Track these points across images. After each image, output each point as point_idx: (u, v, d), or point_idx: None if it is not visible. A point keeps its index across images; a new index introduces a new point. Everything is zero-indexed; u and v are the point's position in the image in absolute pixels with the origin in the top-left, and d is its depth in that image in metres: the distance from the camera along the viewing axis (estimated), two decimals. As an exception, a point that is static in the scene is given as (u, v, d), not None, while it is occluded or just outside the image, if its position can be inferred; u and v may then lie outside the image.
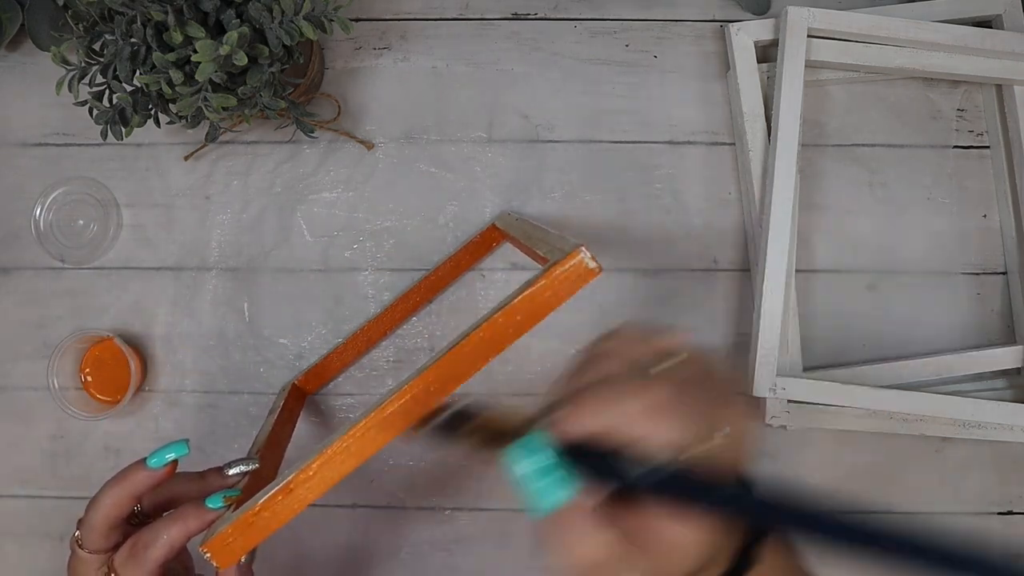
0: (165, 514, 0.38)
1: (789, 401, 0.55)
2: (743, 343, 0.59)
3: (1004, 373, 0.59)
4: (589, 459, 0.29)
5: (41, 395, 0.59)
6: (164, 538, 0.36)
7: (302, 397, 0.58)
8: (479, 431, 0.33)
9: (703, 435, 0.28)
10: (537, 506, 0.28)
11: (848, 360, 0.59)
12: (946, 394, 0.55)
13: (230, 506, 0.37)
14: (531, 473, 0.28)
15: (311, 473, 0.34)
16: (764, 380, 0.54)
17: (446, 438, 0.34)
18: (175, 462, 0.38)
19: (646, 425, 0.28)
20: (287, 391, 0.57)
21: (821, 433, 0.59)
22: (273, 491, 0.34)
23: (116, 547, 0.37)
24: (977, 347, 0.59)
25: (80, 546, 0.37)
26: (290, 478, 0.34)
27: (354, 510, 0.59)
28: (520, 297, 0.35)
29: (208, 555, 0.35)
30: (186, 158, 0.61)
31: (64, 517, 0.60)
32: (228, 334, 0.60)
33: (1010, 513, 0.58)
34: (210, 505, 0.37)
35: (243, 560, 0.36)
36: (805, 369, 0.58)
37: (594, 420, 0.29)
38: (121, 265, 0.61)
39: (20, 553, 0.59)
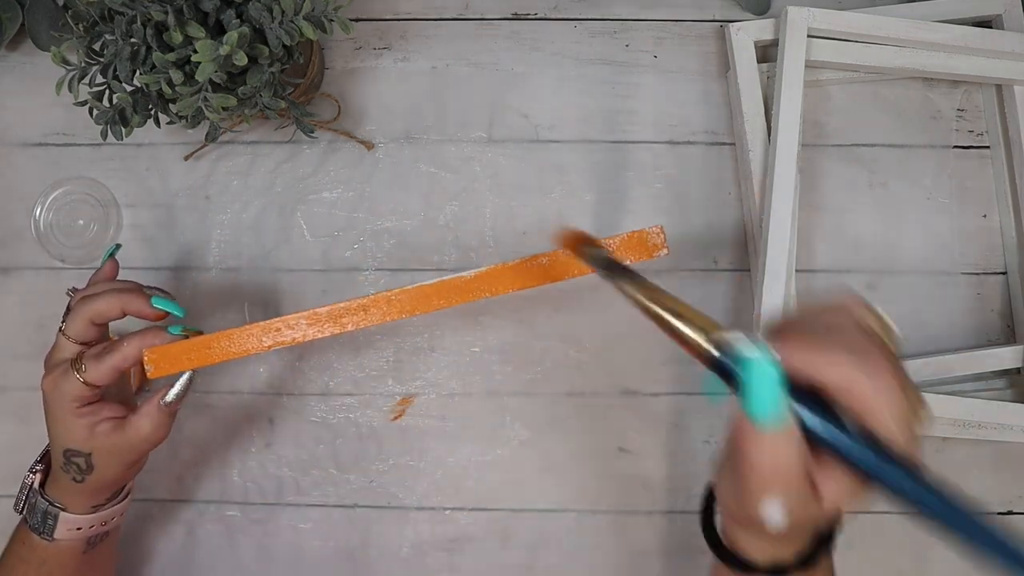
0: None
1: (789, 401, 0.55)
2: (743, 343, 0.59)
3: (1004, 373, 0.59)
4: (806, 395, 0.28)
5: (41, 395, 0.59)
6: (124, 347, 0.43)
7: None
8: (648, 292, 0.32)
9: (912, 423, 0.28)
10: (751, 409, 0.28)
11: (848, 360, 0.59)
12: (946, 394, 0.55)
13: (187, 336, 0.44)
14: (753, 377, 0.28)
15: (289, 324, 0.42)
16: (764, 380, 0.54)
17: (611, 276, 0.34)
18: (115, 260, 0.50)
19: (881, 394, 0.27)
20: None
21: (821, 433, 0.59)
22: (238, 328, 0.41)
23: (89, 344, 0.45)
24: (977, 347, 0.59)
25: (63, 333, 0.45)
26: (269, 322, 0.41)
27: (354, 510, 0.59)
28: (540, 255, 0.42)
29: (147, 360, 0.42)
30: (186, 158, 0.61)
31: (64, 517, 0.60)
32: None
33: (1010, 513, 0.58)
34: (170, 331, 0.44)
35: (167, 400, 0.44)
36: (805, 369, 0.58)
37: (830, 361, 0.27)
38: (121, 265, 0.60)
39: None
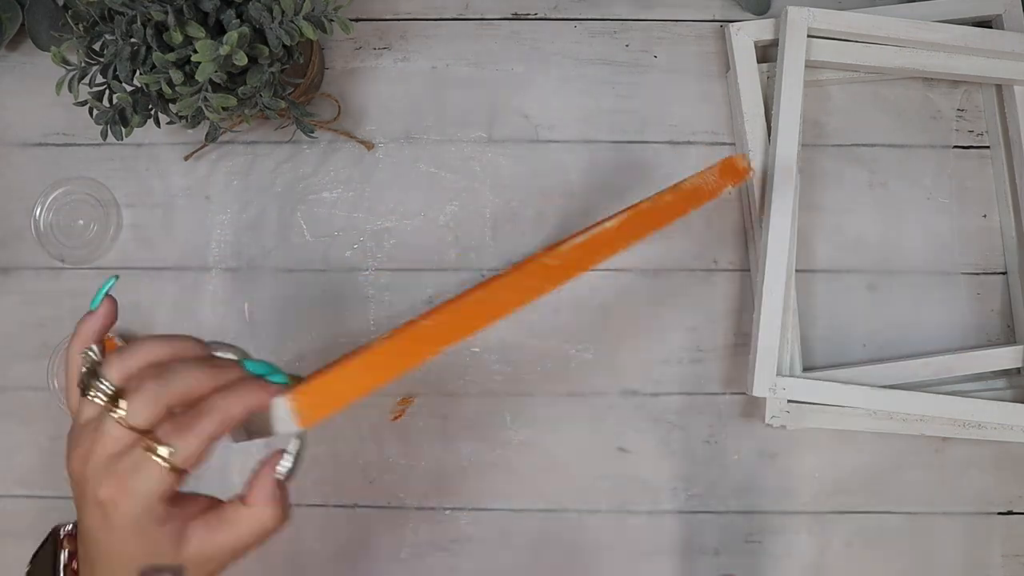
0: (217, 393, 0.33)
1: (789, 401, 0.55)
2: (743, 343, 0.59)
3: (1004, 373, 0.59)
4: None
5: (41, 395, 0.59)
6: (219, 405, 0.32)
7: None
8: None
9: None
10: None
11: (848, 360, 0.59)
12: (946, 394, 0.55)
13: (295, 381, 0.34)
14: None
15: (446, 316, 0.34)
16: (764, 380, 0.54)
17: None
18: (112, 298, 0.36)
19: None
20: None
21: (821, 433, 0.59)
22: (397, 336, 0.33)
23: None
24: (977, 347, 0.59)
25: (120, 422, 0.32)
26: (424, 323, 0.34)
27: (354, 510, 0.59)
28: (683, 182, 0.43)
29: (291, 405, 0.32)
30: (186, 158, 0.61)
31: (64, 517, 0.59)
32: (228, 334, 0.60)
33: (1010, 513, 0.58)
34: (274, 379, 0.34)
35: (284, 470, 0.34)
36: (805, 369, 0.58)
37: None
38: (121, 265, 0.61)
39: (20, 553, 0.59)
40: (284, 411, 0.33)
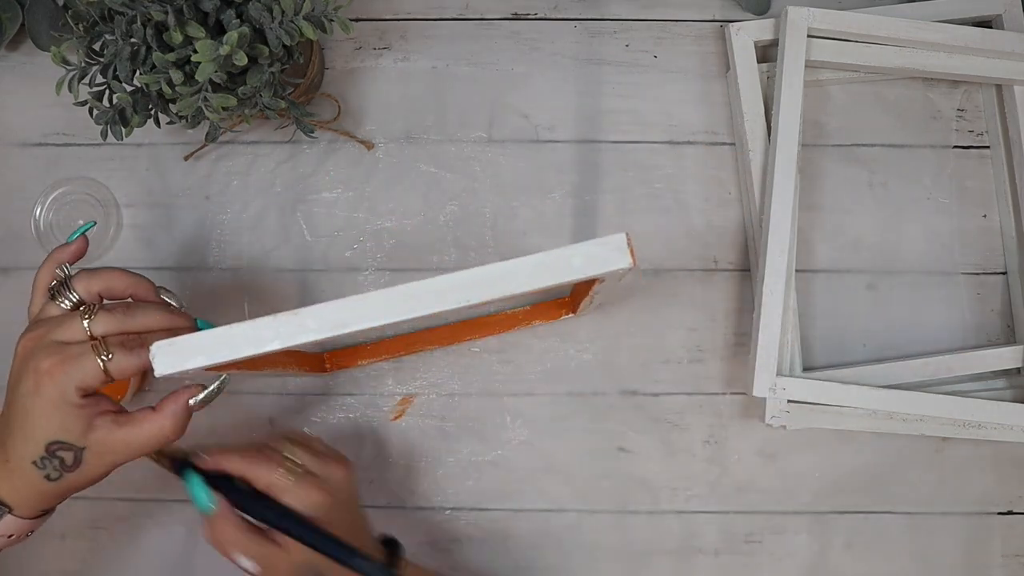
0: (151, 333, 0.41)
1: (789, 401, 0.55)
2: (743, 343, 0.59)
3: (1004, 373, 0.59)
4: (232, 489, 0.42)
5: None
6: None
7: (319, 367, 0.58)
8: (165, 457, 0.44)
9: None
10: (197, 507, 0.42)
11: (848, 360, 0.59)
12: (946, 394, 0.55)
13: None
14: (188, 486, 0.42)
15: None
16: (764, 380, 0.54)
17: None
18: (86, 238, 0.45)
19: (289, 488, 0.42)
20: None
21: (821, 433, 0.59)
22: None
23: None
24: (977, 347, 0.59)
25: (85, 322, 0.41)
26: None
27: (354, 510, 0.59)
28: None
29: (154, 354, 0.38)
30: (186, 158, 0.61)
31: (64, 517, 0.59)
32: (228, 334, 0.60)
33: (1010, 513, 0.58)
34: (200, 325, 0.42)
35: (198, 400, 0.42)
36: (805, 369, 0.58)
37: (241, 464, 0.43)
38: (121, 265, 0.60)
39: (20, 553, 0.59)
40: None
